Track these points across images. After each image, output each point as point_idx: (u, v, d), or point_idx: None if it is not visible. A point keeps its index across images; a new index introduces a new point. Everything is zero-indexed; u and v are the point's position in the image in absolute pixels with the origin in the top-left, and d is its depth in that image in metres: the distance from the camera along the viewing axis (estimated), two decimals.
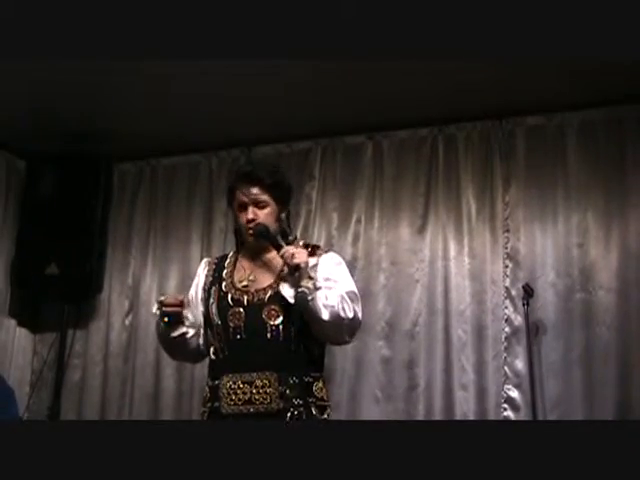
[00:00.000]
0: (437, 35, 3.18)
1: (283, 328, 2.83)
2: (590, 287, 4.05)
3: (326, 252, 3.03)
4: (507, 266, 4.22)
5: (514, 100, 4.20)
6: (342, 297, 2.81)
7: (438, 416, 4.13)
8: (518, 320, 4.11)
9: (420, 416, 4.16)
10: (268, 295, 2.86)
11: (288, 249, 2.82)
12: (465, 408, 4.10)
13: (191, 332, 2.99)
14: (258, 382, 2.79)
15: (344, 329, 2.84)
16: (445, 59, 3.44)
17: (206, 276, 3.06)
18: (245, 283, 2.93)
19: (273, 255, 2.93)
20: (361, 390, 4.29)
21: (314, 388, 2.86)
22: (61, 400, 4.65)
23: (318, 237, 4.51)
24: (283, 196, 3.01)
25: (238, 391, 2.80)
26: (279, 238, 2.93)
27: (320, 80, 3.99)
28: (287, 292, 2.81)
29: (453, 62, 3.50)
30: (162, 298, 2.94)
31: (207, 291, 3.00)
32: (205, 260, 3.19)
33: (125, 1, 3.04)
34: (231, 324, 2.87)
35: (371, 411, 4.23)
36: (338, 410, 4.20)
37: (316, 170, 4.65)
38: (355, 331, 2.90)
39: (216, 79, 3.97)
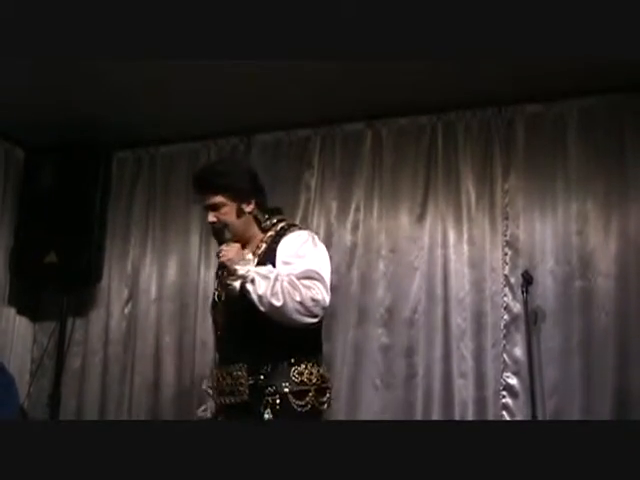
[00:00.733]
0: (436, 29, 3.19)
1: (252, 320, 2.86)
2: (589, 274, 4.05)
3: (293, 231, 3.05)
4: (506, 254, 4.22)
5: (514, 88, 4.19)
6: (290, 283, 2.80)
7: (437, 403, 4.14)
8: (517, 307, 4.11)
9: (419, 403, 4.17)
10: (238, 289, 2.87)
11: (221, 248, 2.93)
12: (464, 395, 4.11)
13: None
14: (234, 373, 2.89)
15: (295, 312, 2.81)
16: (445, 52, 3.43)
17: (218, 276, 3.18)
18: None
19: (251, 247, 3.03)
20: (360, 378, 4.30)
21: (292, 373, 2.87)
22: (61, 388, 4.67)
23: (317, 225, 4.51)
24: (238, 192, 3.03)
25: (222, 382, 2.92)
26: (255, 233, 3.06)
27: (319, 68, 3.97)
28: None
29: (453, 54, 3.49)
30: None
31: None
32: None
33: None
34: (216, 320, 3.06)
35: (370, 399, 4.24)
36: (337, 398, 4.20)
37: (315, 158, 4.64)
38: (314, 310, 2.85)
39: (215, 67, 3.95)
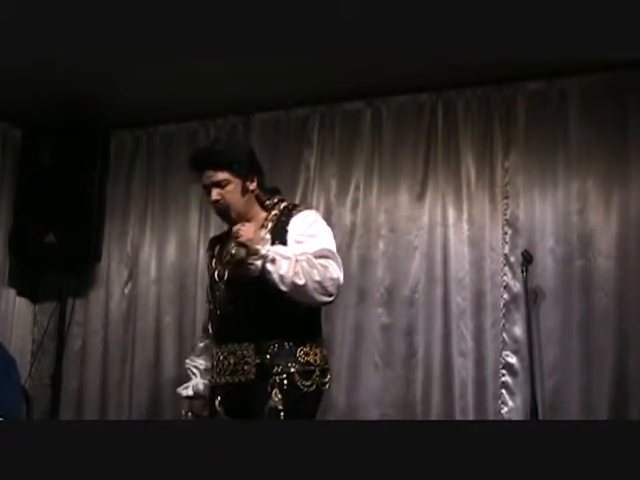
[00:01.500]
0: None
1: (260, 299, 2.86)
2: (589, 254, 4.03)
3: (300, 211, 3.04)
4: (506, 233, 4.21)
5: (514, 65, 4.15)
6: (307, 262, 2.81)
7: (437, 382, 4.16)
8: (517, 287, 4.11)
9: (419, 382, 4.18)
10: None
11: (237, 227, 2.87)
12: (464, 374, 4.12)
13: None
14: (239, 353, 2.88)
15: (314, 292, 2.82)
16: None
17: (210, 256, 3.17)
18: (228, 257, 2.97)
19: (253, 224, 2.98)
20: (360, 357, 4.30)
21: (298, 353, 2.88)
22: (62, 369, 4.69)
23: (317, 204, 4.49)
24: (242, 168, 3.00)
25: (225, 361, 2.90)
26: (258, 212, 3.03)
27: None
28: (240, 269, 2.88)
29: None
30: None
31: (208, 269, 3.15)
32: (210, 238, 3.35)
33: None
34: (218, 299, 3.00)
35: (370, 378, 4.25)
36: (338, 377, 4.22)
37: (314, 137, 4.62)
38: (331, 289, 2.87)
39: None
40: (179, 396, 3.19)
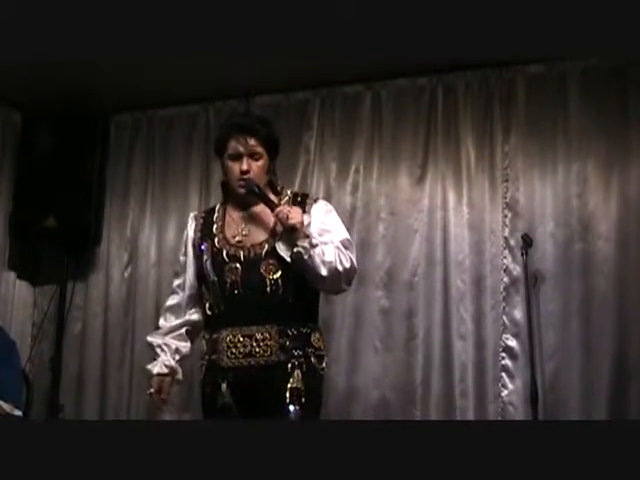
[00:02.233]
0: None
1: (282, 281, 2.85)
2: (589, 237, 4.03)
3: (315, 201, 3.04)
4: (506, 216, 4.21)
5: (514, 48, 4.14)
6: (338, 249, 2.85)
7: (437, 366, 4.16)
8: (517, 270, 4.11)
9: (419, 366, 4.18)
10: (265, 250, 2.88)
11: (282, 209, 2.83)
12: (464, 358, 4.12)
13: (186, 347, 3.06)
14: (258, 335, 2.83)
15: (342, 280, 2.88)
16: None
17: (194, 232, 3.05)
18: (239, 238, 2.93)
19: (262, 207, 2.93)
20: (360, 340, 4.31)
21: (312, 338, 2.91)
22: (62, 352, 4.69)
23: (317, 187, 4.49)
24: (275, 149, 3.02)
25: (238, 344, 2.83)
26: (271, 196, 2.94)
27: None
28: (283, 251, 2.83)
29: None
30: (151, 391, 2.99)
31: (198, 247, 3.00)
32: (192, 215, 3.17)
33: None
34: (228, 280, 2.88)
35: (370, 361, 4.26)
36: (338, 361, 4.24)
37: (314, 120, 4.61)
38: (352, 279, 2.95)
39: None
40: (148, 373, 3.02)
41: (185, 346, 3.05)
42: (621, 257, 3.96)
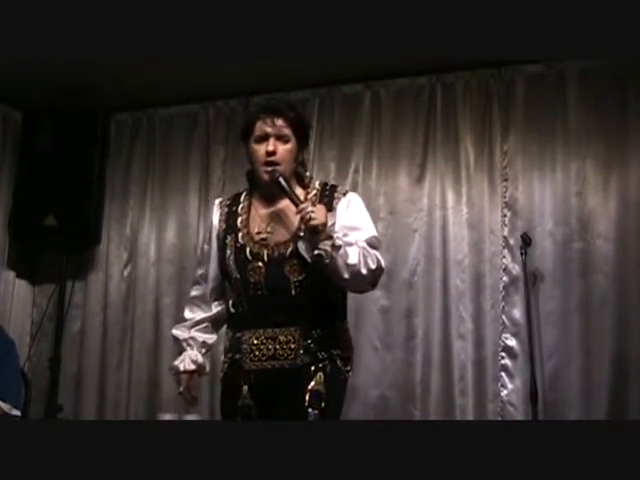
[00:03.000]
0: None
1: (307, 283, 2.72)
2: (588, 236, 4.05)
3: (344, 194, 2.86)
4: (505, 215, 4.22)
5: (513, 48, 4.14)
6: (364, 250, 2.69)
7: (436, 365, 4.17)
8: (516, 269, 4.12)
9: (418, 365, 4.19)
10: (289, 250, 2.74)
11: (306, 208, 2.65)
12: (463, 357, 4.13)
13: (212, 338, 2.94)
14: (282, 338, 2.73)
15: (366, 282, 2.74)
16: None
17: (219, 222, 2.89)
18: (263, 235, 2.79)
19: (288, 203, 2.76)
20: (360, 339, 4.27)
21: (338, 338, 2.78)
22: (61, 351, 4.69)
23: None
24: (304, 135, 2.86)
25: (262, 347, 2.74)
26: (297, 190, 2.77)
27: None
28: (305, 252, 2.69)
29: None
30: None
31: (222, 239, 2.85)
32: (217, 202, 2.98)
33: None
34: (251, 279, 2.76)
35: (370, 360, 4.26)
36: None
37: (314, 120, 4.60)
38: (378, 279, 2.78)
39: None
40: (175, 370, 2.88)
41: (211, 338, 2.93)
42: (620, 256, 3.97)
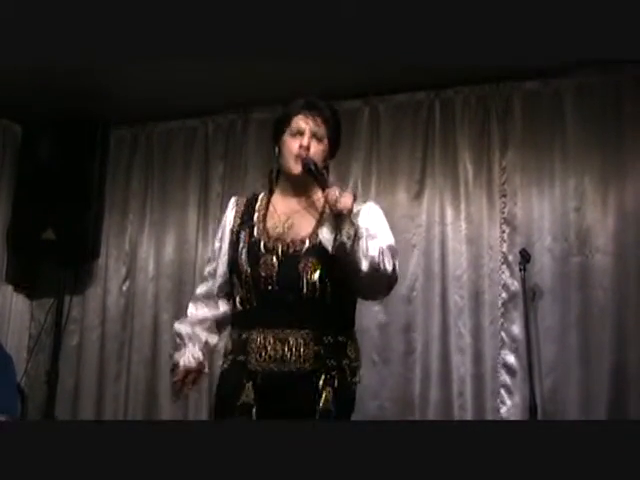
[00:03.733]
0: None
1: (320, 283, 2.62)
2: (587, 251, 4.05)
3: (364, 202, 2.80)
4: (504, 231, 4.22)
5: (511, 64, 4.17)
6: (382, 249, 2.60)
7: (435, 380, 4.16)
8: (515, 285, 4.12)
9: (417, 380, 4.19)
10: (306, 246, 2.65)
11: (333, 190, 2.57)
12: (462, 372, 4.13)
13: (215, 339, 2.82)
14: (292, 340, 2.62)
15: (382, 282, 2.65)
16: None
17: (234, 218, 2.81)
18: (280, 230, 2.71)
19: (314, 199, 2.73)
20: None
21: (348, 349, 2.68)
22: (59, 365, 4.68)
23: None
24: (337, 140, 2.81)
25: (269, 347, 2.62)
26: (325, 177, 2.65)
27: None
28: (325, 237, 2.59)
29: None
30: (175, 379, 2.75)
31: (236, 234, 2.76)
32: (233, 199, 2.89)
33: None
34: (262, 273, 2.65)
35: (368, 375, 4.18)
36: None
37: None
38: (392, 286, 2.70)
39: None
40: (173, 361, 2.77)
41: (214, 338, 2.82)
42: (619, 270, 3.97)
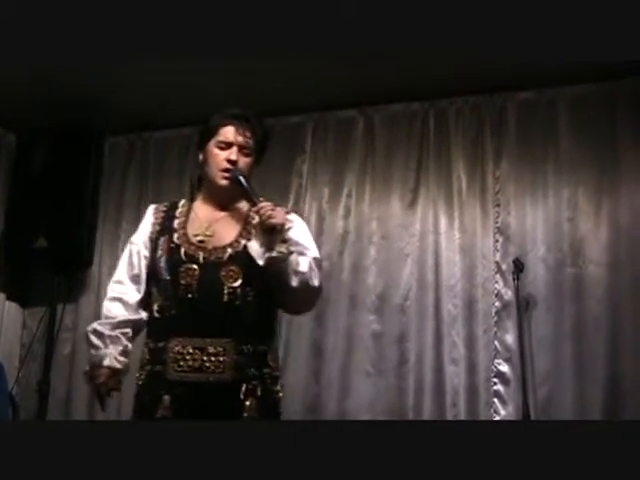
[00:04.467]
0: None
1: (241, 291, 2.58)
2: (580, 261, 4.05)
3: (288, 213, 2.76)
4: (497, 240, 4.22)
5: (505, 75, 4.18)
6: (311, 264, 2.61)
7: (428, 390, 4.15)
8: (508, 295, 4.11)
9: (410, 390, 4.17)
10: (228, 254, 2.61)
11: (265, 206, 2.56)
12: (455, 382, 4.12)
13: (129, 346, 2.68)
14: (211, 349, 2.55)
15: (310, 297, 2.68)
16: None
17: (153, 225, 2.76)
18: (201, 238, 2.66)
19: (236, 207, 2.71)
20: (352, 364, 4.29)
21: (268, 358, 2.64)
22: (51, 374, 4.65)
23: (309, 211, 4.51)
24: (262, 153, 2.79)
25: (187, 357, 2.55)
26: (255, 190, 2.64)
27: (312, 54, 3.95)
28: (256, 252, 2.57)
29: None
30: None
31: (154, 241, 2.71)
32: (153, 207, 2.84)
33: None
34: (182, 281, 2.59)
35: (362, 386, 4.24)
36: (329, 385, 4.25)
37: (307, 144, 4.64)
38: (316, 300, 2.73)
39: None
40: (93, 362, 2.64)
41: (131, 346, 2.69)
42: (612, 281, 3.98)
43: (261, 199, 2.63)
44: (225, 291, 2.57)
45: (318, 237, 3.82)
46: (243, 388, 2.54)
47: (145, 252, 2.73)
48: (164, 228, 2.72)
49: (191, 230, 2.68)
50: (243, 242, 2.62)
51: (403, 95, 4.47)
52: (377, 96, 4.48)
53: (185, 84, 4.34)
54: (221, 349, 2.55)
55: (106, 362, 2.62)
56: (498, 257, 4.20)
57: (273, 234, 2.54)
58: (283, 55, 3.72)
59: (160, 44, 3.49)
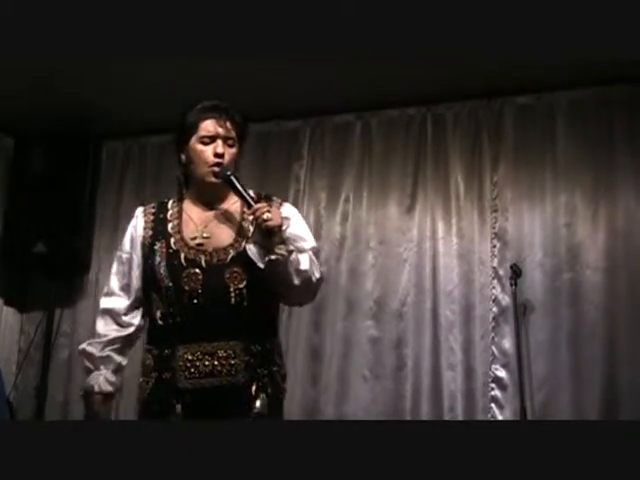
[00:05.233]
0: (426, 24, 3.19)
1: (247, 292, 2.55)
2: (578, 266, 4.06)
3: (281, 204, 2.70)
4: (495, 246, 4.23)
5: (503, 80, 4.19)
6: (311, 259, 2.59)
7: (426, 395, 4.15)
8: (506, 300, 4.12)
9: (408, 395, 4.18)
10: (230, 256, 2.56)
11: (261, 207, 2.49)
12: (453, 387, 4.12)
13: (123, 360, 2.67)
14: (221, 352, 2.51)
15: (312, 291, 2.64)
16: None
17: (144, 229, 2.68)
18: (199, 241, 2.60)
19: (228, 206, 2.65)
20: (349, 369, 4.30)
21: (275, 355, 2.63)
22: (48, 379, 4.65)
23: (307, 216, 4.48)
24: (244, 142, 2.72)
25: (198, 363, 2.51)
26: (248, 190, 2.56)
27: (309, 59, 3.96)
28: (255, 255, 2.51)
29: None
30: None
31: (149, 246, 2.63)
32: (140, 209, 2.77)
33: None
34: (186, 287, 2.54)
35: (359, 390, 4.24)
36: (327, 389, 4.24)
37: (305, 149, 4.65)
38: (319, 290, 2.69)
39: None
40: (86, 389, 2.62)
41: (124, 360, 2.67)
42: (609, 286, 3.98)
43: (250, 192, 2.57)
44: (232, 293, 2.54)
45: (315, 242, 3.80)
46: (254, 387, 2.53)
47: (137, 259, 2.67)
48: (157, 232, 2.66)
49: (187, 233, 2.62)
50: (243, 242, 2.58)
51: (400, 100, 4.47)
52: (374, 101, 4.49)
53: (182, 89, 4.33)
54: (231, 352, 2.52)
55: (97, 388, 2.61)
56: (495, 262, 4.20)
57: (271, 236, 2.49)
58: (281, 60, 3.74)
59: (158, 49, 3.49)
